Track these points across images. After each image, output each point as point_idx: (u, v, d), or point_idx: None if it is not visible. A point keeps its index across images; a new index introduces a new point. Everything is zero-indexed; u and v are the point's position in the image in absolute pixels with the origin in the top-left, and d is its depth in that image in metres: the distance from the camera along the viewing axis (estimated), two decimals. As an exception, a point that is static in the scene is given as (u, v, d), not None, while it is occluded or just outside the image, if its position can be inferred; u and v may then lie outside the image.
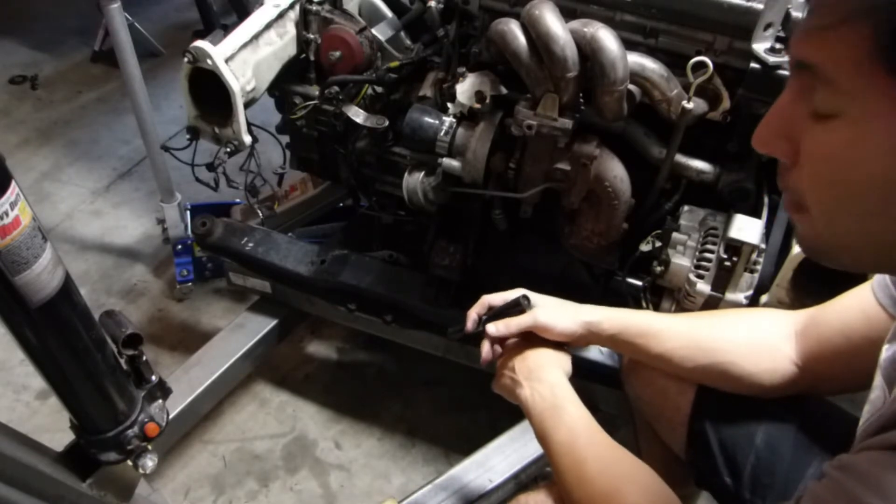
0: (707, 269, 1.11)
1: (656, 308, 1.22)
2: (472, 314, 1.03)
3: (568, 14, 1.10)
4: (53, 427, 1.57)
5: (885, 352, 0.67)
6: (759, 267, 1.12)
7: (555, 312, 0.96)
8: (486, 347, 1.00)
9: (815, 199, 0.56)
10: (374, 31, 1.39)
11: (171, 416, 1.12)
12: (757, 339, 0.93)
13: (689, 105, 1.07)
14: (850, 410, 0.91)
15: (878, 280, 0.82)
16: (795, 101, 0.55)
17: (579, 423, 0.86)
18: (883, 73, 0.47)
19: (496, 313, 1.00)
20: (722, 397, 0.93)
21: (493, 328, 0.98)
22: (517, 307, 0.98)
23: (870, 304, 0.82)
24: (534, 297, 0.99)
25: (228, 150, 1.33)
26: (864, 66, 0.48)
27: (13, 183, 0.76)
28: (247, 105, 1.31)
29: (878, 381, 0.66)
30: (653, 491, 0.79)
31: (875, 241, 0.55)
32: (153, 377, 1.08)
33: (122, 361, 1.03)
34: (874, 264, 0.62)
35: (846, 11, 0.48)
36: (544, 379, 0.91)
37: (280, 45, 1.35)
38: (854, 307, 0.85)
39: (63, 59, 2.89)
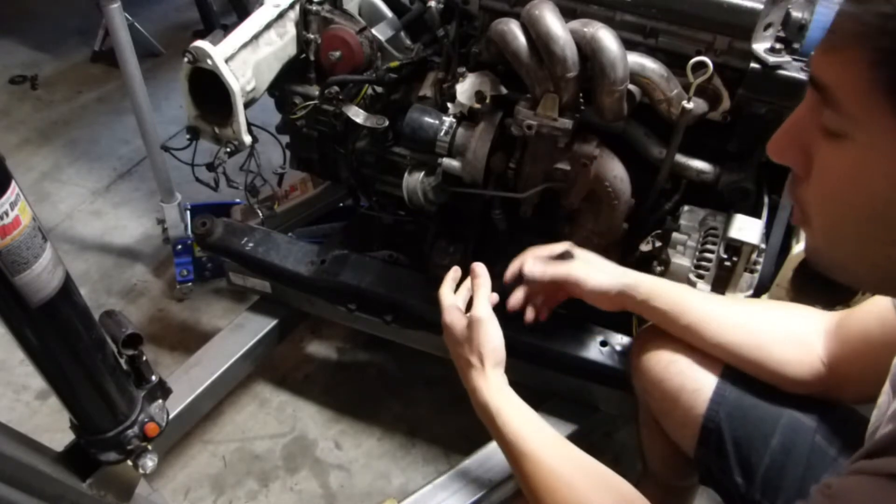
0: (707, 269, 1.11)
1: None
2: (515, 263, 1.07)
3: (568, 14, 1.10)
4: (53, 427, 1.57)
5: None
6: (759, 267, 1.12)
7: (592, 269, 1.01)
8: (518, 294, 1.06)
9: (818, 216, 0.57)
10: (374, 31, 1.39)
11: (171, 416, 1.13)
12: (790, 327, 0.94)
13: (689, 105, 1.07)
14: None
15: None
16: (811, 115, 0.54)
17: (515, 437, 0.86)
18: (884, 101, 0.47)
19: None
20: (741, 397, 0.93)
21: (529, 265, 1.02)
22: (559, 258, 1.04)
23: (887, 310, 0.82)
24: (578, 252, 1.05)
25: (228, 150, 1.33)
26: (867, 92, 0.48)
27: (13, 183, 0.76)
28: (247, 105, 1.31)
29: (887, 386, 0.66)
30: (607, 484, 0.80)
31: (873, 265, 0.55)
32: (153, 377, 1.08)
33: (122, 361, 1.03)
34: (871, 285, 0.62)
35: (848, 36, 0.48)
36: (489, 378, 0.92)
37: (280, 45, 1.35)
38: (873, 312, 0.85)
39: (63, 59, 2.89)
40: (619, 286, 1.00)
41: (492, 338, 0.93)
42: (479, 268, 1.01)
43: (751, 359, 0.93)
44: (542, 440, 0.85)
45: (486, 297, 0.97)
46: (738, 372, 0.95)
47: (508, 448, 0.86)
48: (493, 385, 0.91)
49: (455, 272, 1.04)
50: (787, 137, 0.58)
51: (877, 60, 0.47)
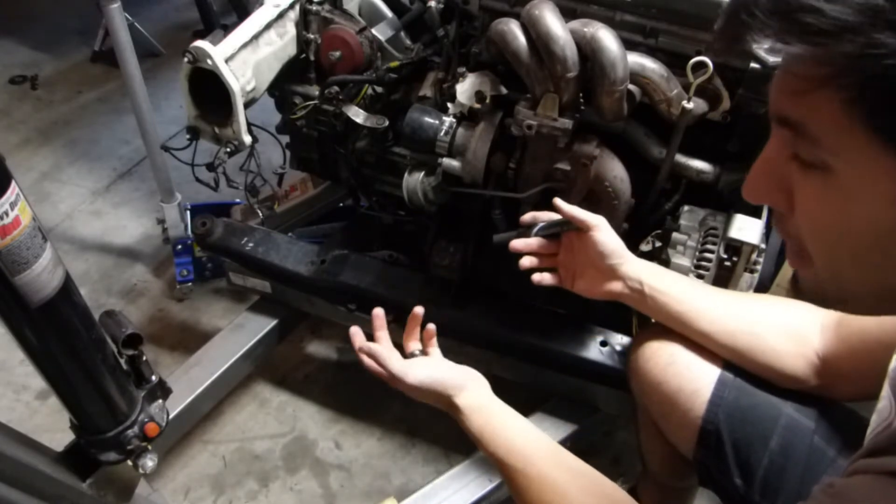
0: (707, 269, 1.11)
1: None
2: (527, 217, 1.07)
3: (568, 14, 1.10)
4: (53, 427, 1.57)
5: (895, 361, 0.67)
6: (759, 267, 1.12)
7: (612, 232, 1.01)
8: (532, 242, 1.05)
9: (815, 249, 0.55)
10: (374, 31, 1.39)
11: (171, 416, 1.13)
12: (787, 319, 0.94)
13: (689, 105, 1.07)
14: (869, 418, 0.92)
15: None
16: (783, 151, 0.53)
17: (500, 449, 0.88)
18: (864, 134, 0.46)
19: (549, 225, 1.05)
20: (739, 399, 0.93)
21: (559, 200, 1.02)
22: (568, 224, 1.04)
23: None
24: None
25: (228, 150, 1.33)
26: (845, 127, 0.46)
27: (13, 183, 0.76)
28: (247, 105, 1.31)
29: (886, 390, 0.66)
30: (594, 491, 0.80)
31: (879, 290, 0.53)
32: (153, 377, 1.08)
33: (122, 361, 1.03)
34: (877, 310, 0.61)
35: (814, 80, 0.46)
36: (460, 407, 0.93)
37: (280, 45, 1.35)
38: None
39: (63, 59, 2.89)
40: (624, 256, 1.00)
41: (430, 380, 0.94)
42: (357, 333, 1.02)
43: (745, 349, 0.93)
44: (530, 452, 0.85)
45: (389, 357, 0.97)
46: (736, 373, 0.95)
47: (500, 468, 0.87)
48: (467, 411, 0.92)
49: (357, 337, 1.03)
50: (763, 180, 0.56)
51: (851, 99, 0.45)
